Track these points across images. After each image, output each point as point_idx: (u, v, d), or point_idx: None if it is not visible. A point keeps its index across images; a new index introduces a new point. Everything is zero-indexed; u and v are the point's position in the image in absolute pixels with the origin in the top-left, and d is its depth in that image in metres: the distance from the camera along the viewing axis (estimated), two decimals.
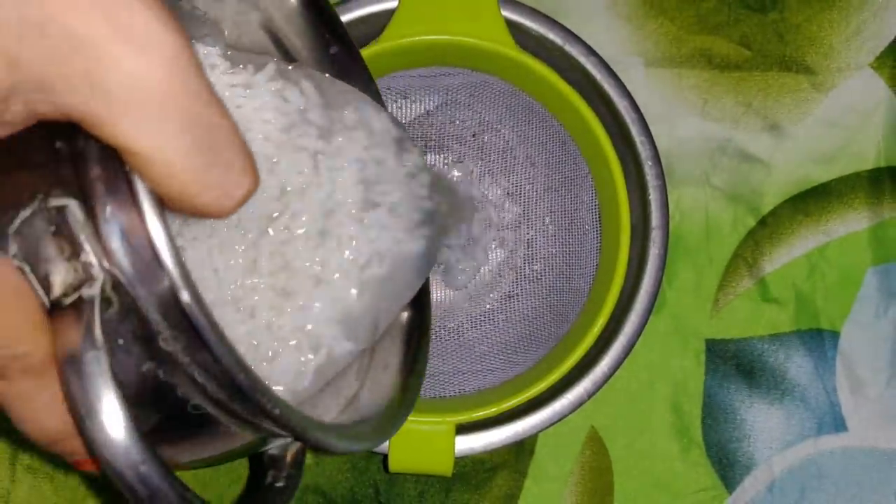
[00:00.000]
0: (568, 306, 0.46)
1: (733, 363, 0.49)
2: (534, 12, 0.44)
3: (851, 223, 0.49)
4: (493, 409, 0.43)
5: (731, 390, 0.48)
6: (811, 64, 0.50)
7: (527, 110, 0.46)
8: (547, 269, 0.47)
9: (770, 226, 0.49)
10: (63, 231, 0.23)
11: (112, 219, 0.23)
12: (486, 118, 0.47)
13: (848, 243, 0.49)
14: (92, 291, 0.23)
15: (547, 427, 0.44)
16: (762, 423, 0.48)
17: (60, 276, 0.24)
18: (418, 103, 0.47)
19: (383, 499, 0.47)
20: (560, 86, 0.44)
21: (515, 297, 0.48)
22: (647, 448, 0.48)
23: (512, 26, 0.44)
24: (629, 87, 0.44)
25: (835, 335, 0.49)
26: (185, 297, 0.23)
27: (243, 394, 0.24)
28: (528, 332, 0.47)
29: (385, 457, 0.42)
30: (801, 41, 0.50)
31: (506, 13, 0.44)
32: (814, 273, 0.49)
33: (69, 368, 0.23)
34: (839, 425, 0.48)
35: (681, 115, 0.50)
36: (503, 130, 0.48)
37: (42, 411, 0.25)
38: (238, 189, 0.24)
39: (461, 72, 0.45)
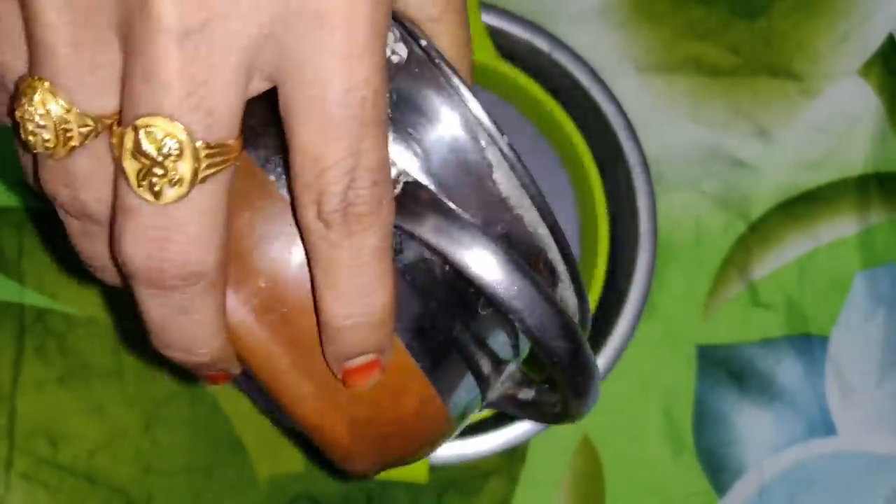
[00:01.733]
0: None
1: (724, 368, 0.49)
2: (520, 20, 0.44)
3: (840, 228, 0.50)
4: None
5: (721, 395, 0.49)
6: (799, 70, 0.50)
7: (508, 119, 0.46)
8: None
9: (760, 231, 0.49)
10: None
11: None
12: None
13: (837, 248, 0.49)
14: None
15: (539, 433, 0.44)
16: (753, 427, 0.48)
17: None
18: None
19: None
20: (540, 96, 0.44)
21: None
22: (638, 453, 0.48)
23: (498, 33, 0.44)
24: (620, 94, 0.45)
25: (824, 340, 0.49)
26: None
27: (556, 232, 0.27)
28: None
29: None
30: (788, 47, 0.50)
31: (492, 20, 0.44)
32: (803, 278, 0.49)
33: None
34: (829, 429, 0.48)
35: (672, 120, 0.50)
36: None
37: None
38: None
39: None
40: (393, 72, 0.25)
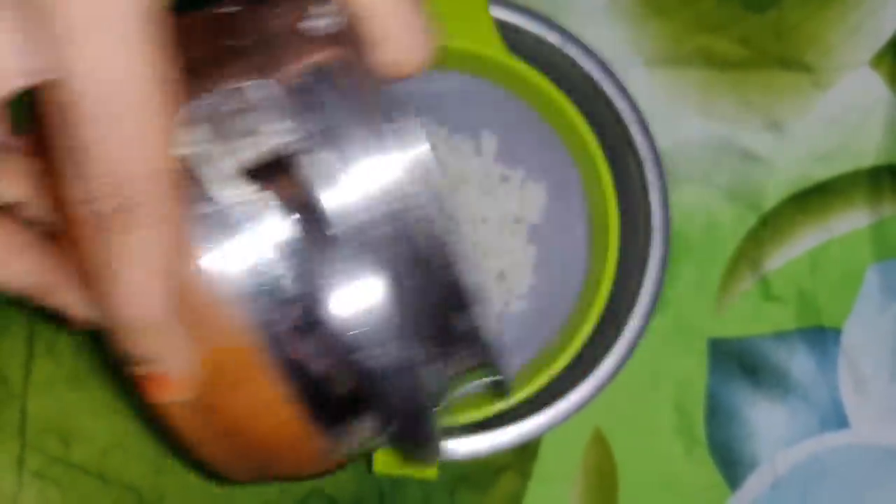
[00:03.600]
0: (559, 311, 0.46)
1: (736, 362, 0.49)
2: (531, 14, 0.44)
3: (852, 220, 0.49)
4: (478, 415, 0.42)
5: (734, 389, 0.48)
6: (810, 62, 0.50)
7: (518, 115, 0.46)
8: (539, 273, 0.47)
9: (771, 224, 0.49)
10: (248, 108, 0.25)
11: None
12: (475, 122, 0.47)
13: (849, 241, 0.49)
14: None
15: (551, 428, 0.44)
16: (765, 421, 0.48)
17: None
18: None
19: (388, 502, 0.47)
20: (550, 90, 0.44)
21: (506, 303, 0.48)
22: (650, 448, 0.48)
23: (509, 28, 0.44)
24: (630, 88, 0.44)
25: (837, 333, 0.49)
26: None
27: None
28: (517, 337, 0.46)
29: (370, 458, 0.42)
30: (799, 39, 0.50)
31: (503, 15, 0.44)
32: (815, 271, 0.49)
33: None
34: (842, 422, 0.48)
35: (682, 114, 0.50)
36: (493, 134, 0.47)
37: None
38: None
39: (450, 75, 0.45)
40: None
